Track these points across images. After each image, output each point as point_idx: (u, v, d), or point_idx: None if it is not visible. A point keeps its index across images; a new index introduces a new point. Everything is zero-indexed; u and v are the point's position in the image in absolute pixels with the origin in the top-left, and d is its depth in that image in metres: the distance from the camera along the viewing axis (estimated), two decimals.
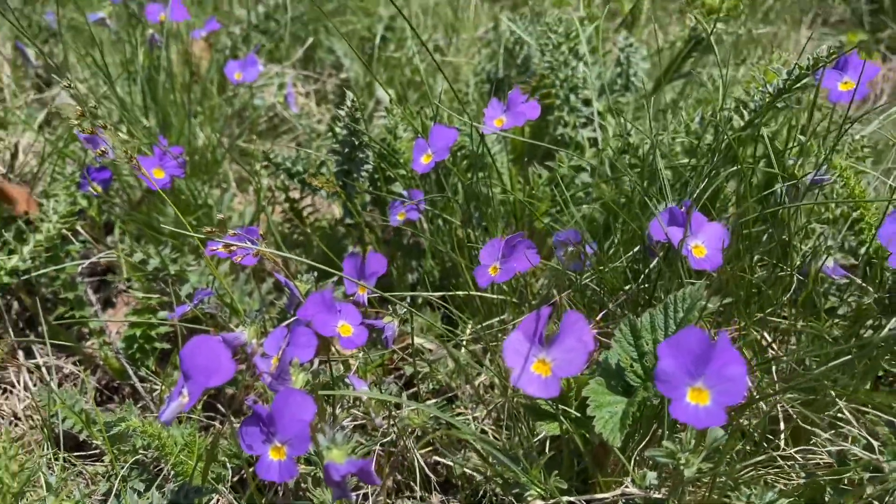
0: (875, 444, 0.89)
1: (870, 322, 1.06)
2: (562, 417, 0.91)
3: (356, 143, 1.25)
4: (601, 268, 1.06)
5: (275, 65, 1.95)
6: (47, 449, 1.13)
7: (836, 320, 1.10)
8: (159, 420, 0.79)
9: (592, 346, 0.79)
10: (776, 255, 1.12)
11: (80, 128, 1.12)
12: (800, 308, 1.07)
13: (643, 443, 0.92)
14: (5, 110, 1.55)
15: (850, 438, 0.95)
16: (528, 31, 1.72)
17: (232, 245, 1.01)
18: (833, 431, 0.97)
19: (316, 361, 0.90)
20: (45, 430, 1.15)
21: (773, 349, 1.06)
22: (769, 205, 1.17)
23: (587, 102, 1.55)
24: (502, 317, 1.23)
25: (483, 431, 1.14)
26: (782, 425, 0.97)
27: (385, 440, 1.08)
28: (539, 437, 1.02)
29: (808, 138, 1.15)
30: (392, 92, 1.73)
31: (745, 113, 1.27)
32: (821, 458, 0.96)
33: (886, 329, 0.98)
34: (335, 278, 1.28)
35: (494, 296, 1.20)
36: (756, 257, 1.13)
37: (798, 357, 1.02)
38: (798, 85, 1.17)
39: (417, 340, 1.18)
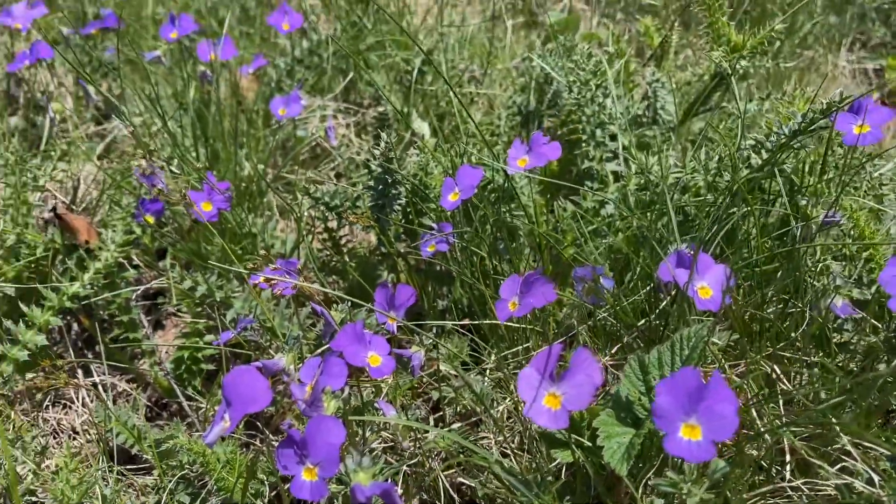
0: (876, 478, 0.93)
1: (880, 358, 1.09)
2: (574, 446, 0.97)
3: (390, 180, 1.33)
4: (616, 304, 1.12)
5: (317, 97, 2.06)
6: (102, 462, 1.23)
7: (848, 355, 1.13)
8: (203, 441, 0.88)
9: (600, 381, 0.85)
10: (789, 292, 1.16)
11: (140, 167, 1.22)
12: (809, 343, 1.11)
13: (651, 472, 0.97)
14: (68, 143, 1.67)
15: (855, 473, 0.99)
16: (558, 65, 1.78)
17: (273, 279, 1.10)
18: (839, 466, 1.01)
19: (347, 388, 0.98)
20: (101, 444, 1.25)
21: (782, 383, 1.10)
22: (784, 244, 1.21)
23: (613, 137, 1.61)
24: (527, 344, 1.30)
25: (504, 455, 1.20)
26: (788, 457, 1.01)
27: (412, 462, 1.15)
28: (555, 462, 1.08)
29: (820, 180, 1.20)
30: (427, 126, 1.81)
31: (762, 152, 1.32)
32: (827, 490, 1.00)
33: (893, 367, 1.02)
34: (368, 306, 1.35)
35: (518, 325, 1.26)
36: (770, 293, 1.18)
37: (806, 392, 1.06)
38: (813, 128, 1.22)
39: (444, 367, 1.25)
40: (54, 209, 1.37)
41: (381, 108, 2.00)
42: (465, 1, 3.02)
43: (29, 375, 1.35)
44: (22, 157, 1.51)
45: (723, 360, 1.07)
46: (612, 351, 1.15)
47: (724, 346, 1.10)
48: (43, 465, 1.19)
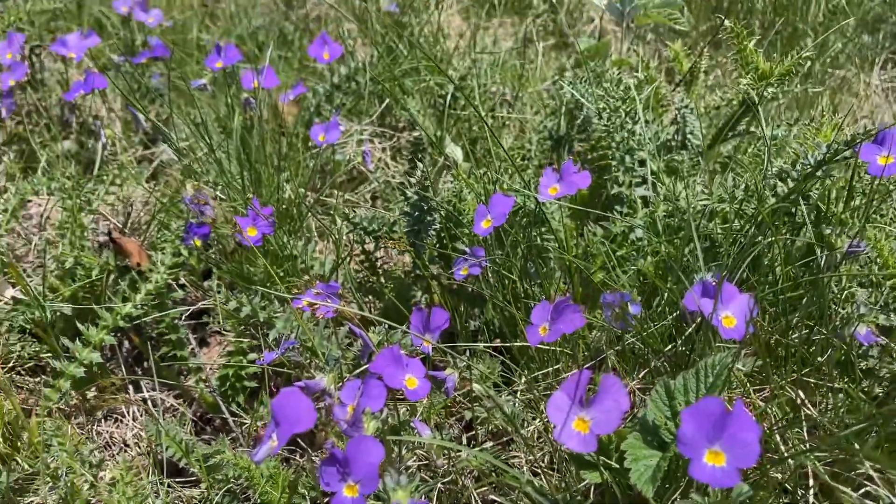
0: None
1: None
2: (602, 467, 1.01)
3: (425, 207, 1.39)
4: (643, 330, 1.16)
5: (354, 121, 2.13)
6: (153, 475, 1.30)
7: (872, 381, 1.16)
8: (252, 459, 0.94)
9: (627, 406, 0.90)
10: (813, 318, 1.19)
11: (192, 197, 1.30)
12: (834, 369, 1.14)
13: (677, 494, 1.01)
14: (120, 167, 1.76)
15: (877, 498, 1.01)
16: (588, 92, 1.83)
17: (315, 304, 1.16)
18: (862, 491, 1.03)
19: (385, 409, 1.04)
20: (152, 457, 1.32)
21: (807, 408, 1.13)
22: (809, 270, 1.24)
23: (642, 163, 1.65)
24: (557, 366, 1.35)
25: (535, 473, 1.25)
26: (811, 481, 1.04)
27: (446, 479, 1.20)
28: (584, 482, 1.13)
29: (846, 209, 1.23)
30: (460, 151, 1.87)
31: (788, 181, 1.35)
32: None
33: None
34: (403, 329, 1.41)
35: (548, 346, 1.31)
36: (795, 319, 1.21)
37: (831, 418, 1.09)
38: (837, 159, 1.25)
39: (476, 388, 1.30)
40: (109, 233, 1.45)
41: (415, 133, 2.06)
42: (496, 23, 3.08)
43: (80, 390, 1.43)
44: (78, 182, 1.60)
45: (748, 386, 1.10)
46: (640, 375, 1.19)
47: (749, 372, 1.13)
48: (98, 477, 1.26)
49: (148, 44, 2.26)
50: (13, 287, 1.57)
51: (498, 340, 1.57)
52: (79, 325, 1.41)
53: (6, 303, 1.54)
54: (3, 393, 1.28)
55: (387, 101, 2.11)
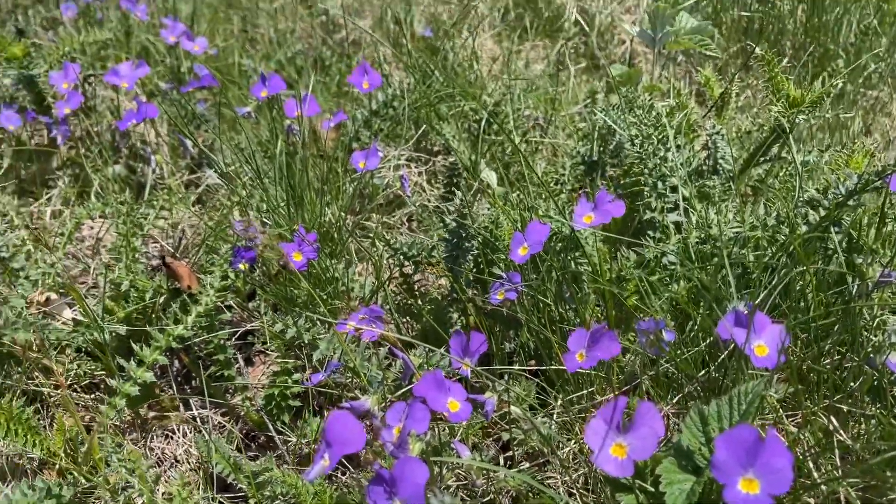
0: None
1: None
2: (638, 490, 1.05)
3: (463, 234, 1.44)
4: (677, 356, 1.20)
5: (391, 146, 2.19)
6: (203, 490, 1.36)
7: None
8: (306, 478, 0.99)
9: (663, 432, 0.93)
10: (845, 345, 1.22)
11: (241, 222, 1.36)
12: (866, 395, 1.17)
13: None
14: (168, 192, 1.84)
15: None
16: (621, 118, 1.87)
17: (361, 328, 1.22)
18: None
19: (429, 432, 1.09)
20: (202, 473, 1.38)
21: (839, 434, 1.16)
22: (841, 297, 1.27)
23: (674, 189, 1.68)
24: (591, 389, 1.38)
25: (570, 494, 1.28)
26: None
27: (484, 499, 1.25)
28: None
29: (878, 237, 1.25)
30: (494, 175, 1.92)
31: (819, 209, 1.38)
32: None
33: None
34: (442, 351, 1.46)
35: (584, 371, 1.35)
36: (827, 346, 1.23)
37: (863, 444, 1.11)
38: (868, 189, 1.28)
39: (514, 410, 1.34)
40: (163, 258, 1.52)
41: (451, 159, 2.12)
42: (528, 46, 3.14)
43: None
44: (132, 208, 1.68)
45: (780, 412, 1.13)
46: (674, 400, 1.23)
47: (782, 398, 1.16)
48: (154, 492, 1.33)
49: (194, 71, 2.36)
50: (70, 308, 1.65)
51: (533, 362, 1.61)
52: (133, 345, 1.48)
53: (64, 323, 1.63)
54: (66, 411, 1.35)
55: (423, 127, 2.17)
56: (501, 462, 1.40)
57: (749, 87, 2.81)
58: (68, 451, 1.34)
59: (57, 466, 1.33)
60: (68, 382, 1.55)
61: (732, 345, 1.11)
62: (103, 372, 1.60)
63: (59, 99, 2.00)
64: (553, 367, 1.42)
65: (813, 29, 2.99)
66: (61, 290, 1.68)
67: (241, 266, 1.57)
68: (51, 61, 2.10)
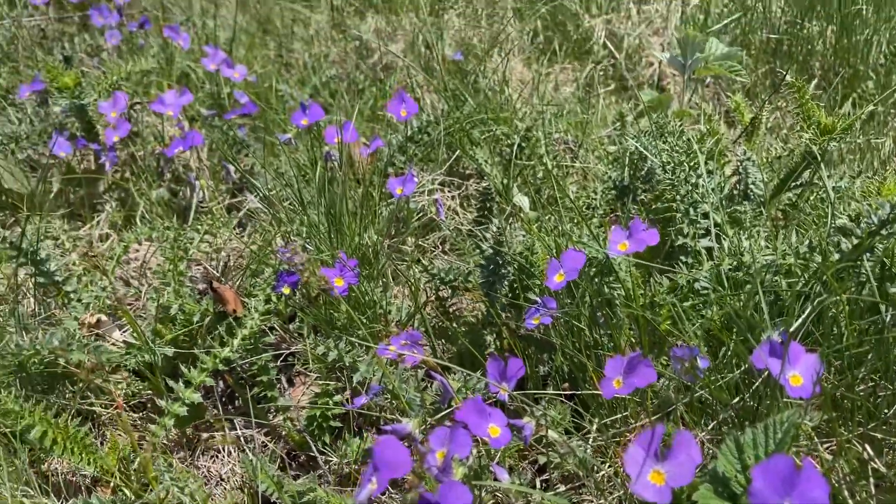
0: None
1: None
2: None
3: (500, 261, 1.49)
4: (711, 383, 1.23)
5: (426, 170, 2.25)
6: None
7: None
8: (355, 500, 1.03)
9: (700, 460, 0.97)
10: (879, 372, 1.23)
11: (284, 247, 1.42)
12: None
13: None
14: (212, 217, 1.91)
15: None
16: (652, 144, 1.91)
17: (403, 353, 1.26)
18: None
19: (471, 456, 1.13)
20: (246, 491, 1.43)
21: (874, 462, 1.17)
22: (874, 325, 1.29)
23: (706, 215, 1.71)
24: (626, 413, 1.41)
25: None
26: None
27: None
28: None
29: None
30: (527, 200, 1.96)
31: (852, 238, 1.40)
32: None
33: None
34: (478, 376, 1.49)
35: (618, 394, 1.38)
36: (861, 374, 1.25)
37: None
38: None
39: (552, 435, 1.37)
40: (210, 283, 1.58)
41: (484, 183, 2.17)
42: (557, 69, 3.19)
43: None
44: (179, 233, 1.75)
45: (815, 439, 1.15)
46: (709, 426, 1.25)
47: (816, 425, 1.18)
48: None
49: (234, 97, 2.43)
50: (120, 330, 1.71)
51: (566, 385, 1.65)
52: (181, 366, 1.54)
53: (114, 344, 1.69)
54: (122, 431, 1.41)
55: (456, 151, 2.22)
56: (538, 485, 1.43)
57: (778, 109, 2.82)
58: (121, 468, 1.40)
59: (111, 484, 1.39)
60: (117, 402, 1.62)
61: (766, 372, 1.14)
62: (150, 392, 1.67)
63: (107, 127, 2.08)
64: (588, 391, 1.45)
65: (842, 50, 3.00)
66: (110, 313, 1.75)
67: (283, 290, 1.63)
68: (99, 90, 2.19)
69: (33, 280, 1.69)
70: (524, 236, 1.60)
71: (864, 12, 3.04)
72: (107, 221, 2.13)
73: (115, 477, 1.38)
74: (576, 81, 3.06)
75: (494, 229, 1.46)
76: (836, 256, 1.40)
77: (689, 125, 2.37)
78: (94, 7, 2.69)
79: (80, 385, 1.55)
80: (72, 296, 1.70)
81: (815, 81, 2.93)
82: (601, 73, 3.13)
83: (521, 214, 2.05)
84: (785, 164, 1.98)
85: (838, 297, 1.24)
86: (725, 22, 3.00)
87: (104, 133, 2.11)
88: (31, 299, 1.74)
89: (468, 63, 2.96)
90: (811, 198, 1.95)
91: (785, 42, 3.10)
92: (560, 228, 1.59)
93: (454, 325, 1.76)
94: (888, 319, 1.24)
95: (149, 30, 2.77)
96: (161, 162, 2.23)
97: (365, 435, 1.57)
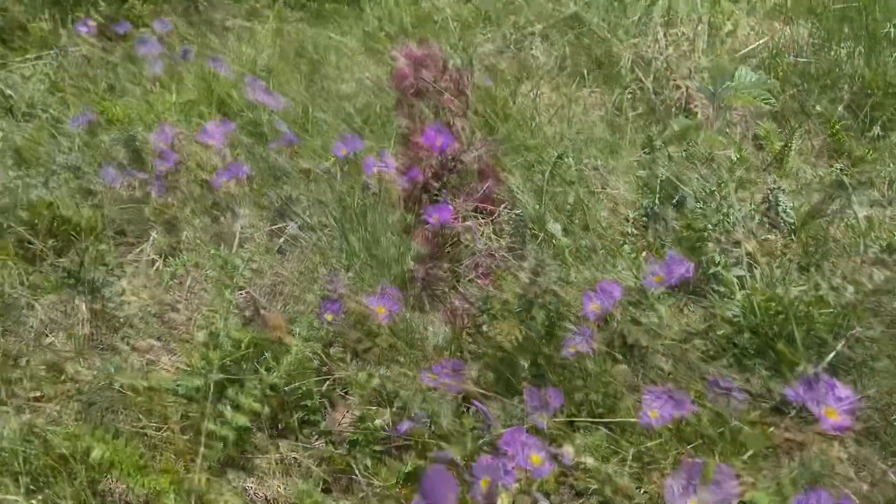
0: None
1: None
2: None
3: (536, 291, 1.53)
4: (748, 414, 1.26)
5: (459, 197, 2.30)
6: None
7: None
8: None
9: (737, 493, 1.00)
10: None
11: (327, 275, 1.48)
12: None
13: None
14: (255, 245, 1.98)
15: None
16: (683, 172, 1.95)
17: (445, 382, 1.31)
18: None
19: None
20: None
21: None
22: None
23: (737, 243, 1.75)
24: (660, 440, 1.45)
25: None
26: None
27: None
28: None
29: None
30: (559, 227, 2.01)
31: (885, 270, 1.43)
32: None
33: None
34: (517, 399, 1.54)
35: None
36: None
37: None
38: None
39: (590, 462, 1.41)
40: (258, 310, 1.65)
41: (517, 210, 2.22)
42: (586, 93, 3.24)
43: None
44: (225, 262, 1.82)
45: (851, 472, 1.18)
46: (744, 456, 1.29)
47: (853, 457, 1.21)
48: None
49: (273, 124, 2.51)
50: (170, 355, 1.79)
51: (601, 411, 1.68)
52: (229, 390, 1.60)
53: (164, 369, 1.76)
54: (176, 455, 1.48)
55: (490, 179, 2.28)
56: None
57: (808, 133, 2.84)
58: (175, 489, 1.46)
59: None
60: (168, 426, 1.68)
61: (800, 407, 1.17)
62: (197, 414, 1.73)
63: (155, 157, 2.17)
64: (623, 419, 1.48)
65: (871, 71, 3.02)
66: (160, 338, 1.82)
67: (326, 317, 1.69)
68: (147, 121, 2.28)
69: (88, 306, 1.77)
70: (559, 265, 1.64)
71: (891, 34, 3.05)
72: (153, 248, 2.21)
73: (170, 498, 1.44)
74: (604, 105, 3.10)
75: (532, 259, 1.51)
76: (869, 287, 1.43)
77: (720, 150, 2.40)
78: (138, 41, 2.79)
79: (134, 408, 1.62)
80: (124, 321, 1.77)
81: (843, 105, 2.94)
82: (629, 96, 3.17)
83: (554, 241, 2.10)
84: (814, 187, 2.01)
85: (871, 328, 1.28)
86: (752, 47, 3.03)
87: (152, 162, 2.19)
88: (87, 325, 1.82)
89: (497, 88, 3.02)
90: (842, 224, 1.98)
91: (813, 65, 3.12)
92: (595, 260, 1.64)
93: (491, 351, 1.81)
94: None
95: (190, 60, 2.87)
96: (205, 189, 2.31)
97: (404, 458, 1.61)
